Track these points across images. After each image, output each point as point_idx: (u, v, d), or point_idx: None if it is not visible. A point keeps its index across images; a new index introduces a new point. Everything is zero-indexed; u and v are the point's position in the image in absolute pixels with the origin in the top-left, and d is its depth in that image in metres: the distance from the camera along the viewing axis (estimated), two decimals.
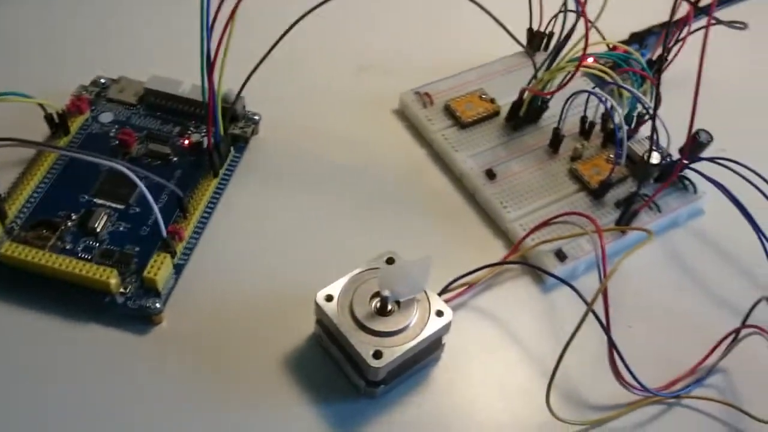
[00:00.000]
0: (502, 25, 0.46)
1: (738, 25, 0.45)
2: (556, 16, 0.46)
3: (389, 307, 0.34)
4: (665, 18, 0.42)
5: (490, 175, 0.43)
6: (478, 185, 0.43)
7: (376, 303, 0.34)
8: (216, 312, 0.37)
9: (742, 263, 0.42)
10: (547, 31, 0.49)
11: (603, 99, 0.40)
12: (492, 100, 0.46)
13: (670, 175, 0.41)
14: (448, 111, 0.46)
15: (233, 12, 0.35)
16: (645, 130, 0.45)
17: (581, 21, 0.41)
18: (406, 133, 0.47)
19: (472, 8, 0.47)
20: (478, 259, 0.40)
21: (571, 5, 0.42)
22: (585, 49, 0.38)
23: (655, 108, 0.38)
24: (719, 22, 0.45)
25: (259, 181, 0.43)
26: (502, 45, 0.49)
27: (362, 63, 0.51)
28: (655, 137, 0.40)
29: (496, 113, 0.46)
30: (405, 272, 0.34)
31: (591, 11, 0.42)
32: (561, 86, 0.41)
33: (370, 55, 0.51)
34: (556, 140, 0.44)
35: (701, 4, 0.44)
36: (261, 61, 0.39)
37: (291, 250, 0.40)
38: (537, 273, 0.40)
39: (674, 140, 0.43)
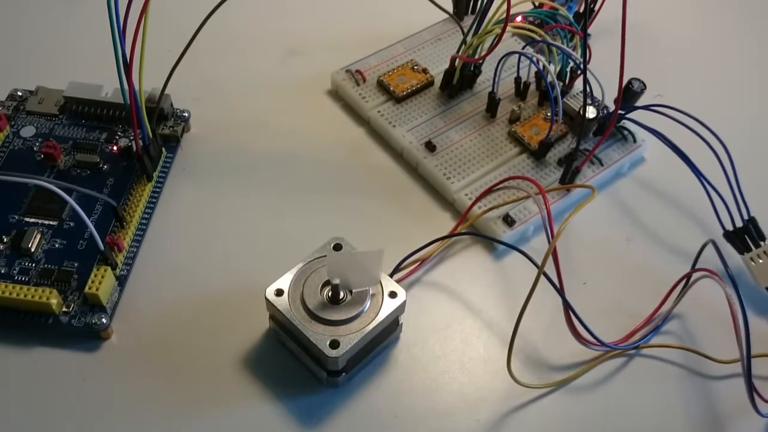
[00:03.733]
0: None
1: None
2: None
3: (341, 295, 0.34)
4: None
5: (430, 147, 0.42)
6: (420, 159, 0.42)
7: (327, 292, 0.34)
8: (166, 319, 0.36)
9: (688, 207, 0.42)
10: None
11: (533, 59, 0.40)
12: (424, 70, 0.46)
13: (607, 128, 0.41)
14: (382, 86, 0.45)
15: (144, 7, 0.34)
16: (580, 84, 0.45)
17: None
18: (341, 113, 0.46)
19: None
20: (428, 233, 0.39)
21: None
22: (508, 10, 0.38)
23: (585, 62, 0.38)
24: None
25: (195, 179, 0.42)
26: (430, 12, 0.48)
27: (290, 46, 0.49)
28: (589, 91, 0.40)
29: (431, 83, 0.46)
30: (355, 260, 0.34)
31: None
32: (489, 50, 0.41)
33: (296, 37, 0.50)
34: (492, 104, 0.44)
35: None
36: (181, 56, 0.38)
37: (236, 245, 0.39)
38: (487, 241, 0.40)
39: (609, 91, 0.43)
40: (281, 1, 0.52)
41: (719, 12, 0.56)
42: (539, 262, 0.34)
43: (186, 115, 0.43)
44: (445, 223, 0.41)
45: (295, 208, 0.41)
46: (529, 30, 0.41)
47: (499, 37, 0.39)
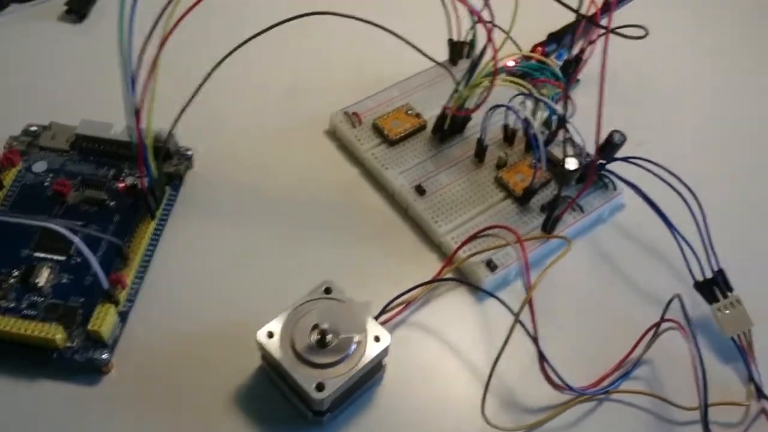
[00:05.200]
0: (414, 46, 0.44)
1: (636, 34, 0.46)
2: (473, 27, 0.48)
3: (329, 339, 0.36)
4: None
5: (420, 190, 0.45)
6: (410, 202, 0.44)
7: (316, 336, 0.36)
8: (164, 354, 0.39)
9: (663, 254, 0.44)
10: (468, 39, 0.50)
11: (516, 112, 0.42)
12: (418, 115, 0.48)
13: (587, 180, 0.43)
14: (376, 129, 0.47)
15: (156, 58, 0.36)
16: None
17: (497, 31, 0.43)
18: (338, 154, 0.48)
19: (394, 22, 0.48)
20: (415, 273, 0.42)
21: (487, 15, 0.44)
22: (495, 70, 0.40)
23: (562, 118, 0.40)
24: (615, 32, 0.46)
25: (196, 216, 0.44)
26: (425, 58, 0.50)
27: (291, 88, 0.52)
28: (575, 140, 0.42)
29: (423, 127, 0.48)
30: (343, 309, 0.36)
31: (504, 19, 0.43)
32: (475, 107, 0.43)
33: (298, 79, 0.52)
34: (480, 150, 0.46)
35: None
36: (191, 99, 0.39)
37: (233, 284, 0.42)
38: (471, 283, 0.42)
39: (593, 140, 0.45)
40: (284, 46, 0.54)
41: (709, 60, 0.58)
42: (516, 309, 0.36)
43: (190, 153, 0.46)
44: (433, 264, 0.43)
45: (291, 246, 0.43)
46: (516, 83, 0.43)
47: (487, 91, 0.41)
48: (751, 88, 0.56)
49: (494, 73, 0.41)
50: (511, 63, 0.51)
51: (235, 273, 0.42)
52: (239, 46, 0.38)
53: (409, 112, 0.48)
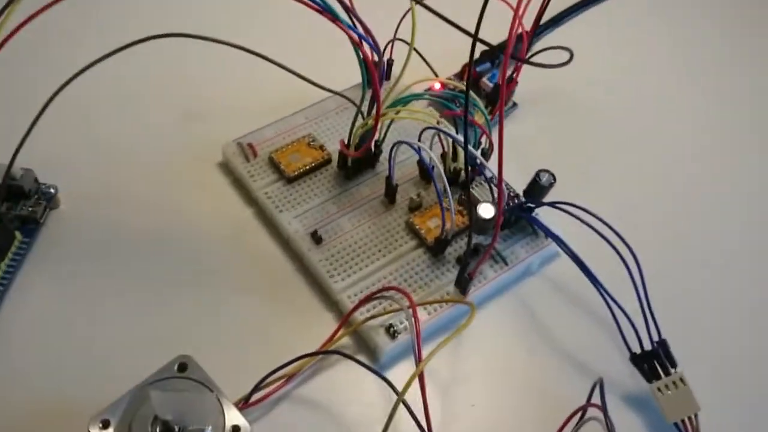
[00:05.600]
0: (306, 79, 0.36)
1: (557, 63, 0.40)
2: (390, 43, 0.41)
3: (176, 430, 0.29)
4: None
5: (316, 238, 0.38)
6: (304, 251, 0.38)
7: (159, 427, 0.29)
8: None
9: (599, 315, 0.38)
10: (386, 59, 0.44)
11: (417, 148, 0.35)
12: (322, 147, 0.41)
13: (511, 225, 0.36)
14: (273, 164, 0.41)
15: None
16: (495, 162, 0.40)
17: (414, 55, 0.36)
18: (231, 191, 0.42)
19: (308, 42, 0.42)
20: (307, 337, 0.36)
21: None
22: (378, 107, 0.33)
23: (467, 163, 0.33)
24: (529, 62, 0.40)
25: (56, 266, 0.38)
26: (341, 79, 0.43)
27: (186, 110, 0.45)
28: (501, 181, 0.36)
29: (328, 161, 0.41)
30: (195, 396, 0.29)
31: (425, 42, 0.37)
32: (363, 149, 0.37)
33: (195, 100, 0.46)
34: (390, 190, 0.39)
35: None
36: (32, 125, 0.33)
37: (80, 353, 0.35)
38: (370, 349, 0.36)
39: (522, 176, 0.38)
40: (181, 59, 0.47)
41: (663, 86, 0.52)
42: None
43: (52, 191, 0.39)
44: (330, 325, 0.37)
45: (162, 303, 0.37)
46: (426, 113, 0.37)
47: (373, 130, 0.35)
48: (702, 132, 0.49)
49: (376, 115, 0.35)
50: (437, 86, 0.44)
51: (88, 339, 0.35)
52: (88, 67, 0.32)
53: (312, 143, 0.42)
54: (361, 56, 0.33)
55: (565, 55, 0.40)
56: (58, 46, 0.47)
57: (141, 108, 0.45)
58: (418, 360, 0.31)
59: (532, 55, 0.42)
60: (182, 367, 0.31)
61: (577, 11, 0.53)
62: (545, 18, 0.45)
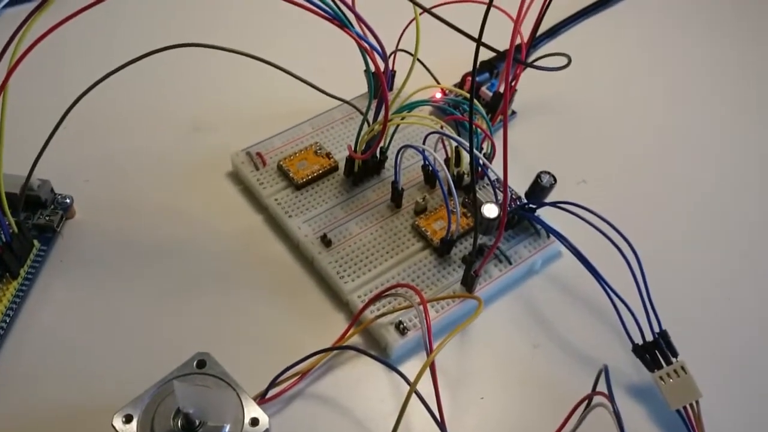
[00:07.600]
0: (318, 88, 0.39)
1: (556, 66, 0.42)
2: (393, 54, 0.43)
3: (197, 423, 0.30)
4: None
5: (326, 241, 0.39)
6: (314, 254, 0.39)
7: (180, 421, 0.30)
8: None
9: (602, 309, 0.39)
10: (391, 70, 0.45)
11: (423, 152, 0.37)
12: (328, 155, 0.43)
13: (513, 225, 0.38)
14: (282, 171, 0.42)
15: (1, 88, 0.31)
16: (497, 166, 0.42)
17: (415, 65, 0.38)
18: (241, 198, 0.43)
19: (315, 52, 0.43)
20: (319, 337, 0.37)
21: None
22: (386, 110, 0.35)
23: (472, 165, 0.35)
24: (531, 65, 0.41)
25: (73, 273, 0.39)
26: (346, 89, 0.44)
27: (195, 122, 0.47)
28: (506, 181, 0.37)
29: (334, 168, 0.43)
30: (214, 390, 0.31)
31: (425, 53, 0.39)
32: (369, 152, 0.38)
33: (204, 112, 0.47)
34: (396, 194, 0.41)
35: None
36: (49, 139, 0.35)
37: (102, 354, 0.36)
38: (380, 346, 0.37)
39: (524, 179, 0.40)
40: (191, 71, 0.49)
41: (658, 92, 0.53)
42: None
43: (68, 201, 0.40)
44: (341, 325, 0.38)
45: (177, 306, 0.38)
46: (430, 119, 0.38)
47: (381, 134, 0.36)
48: (703, 133, 0.51)
49: (385, 119, 0.36)
50: (438, 95, 0.46)
51: (106, 341, 0.36)
52: (103, 79, 0.33)
53: (319, 151, 0.43)
54: (371, 65, 0.35)
55: (564, 62, 0.41)
56: (72, 61, 0.49)
57: (152, 119, 0.46)
58: (429, 350, 0.32)
59: (532, 62, 0.43)
60: (201, 364, 0.32)
61: (573, 22, 0.56)
62: (542, 29, 0.46)
